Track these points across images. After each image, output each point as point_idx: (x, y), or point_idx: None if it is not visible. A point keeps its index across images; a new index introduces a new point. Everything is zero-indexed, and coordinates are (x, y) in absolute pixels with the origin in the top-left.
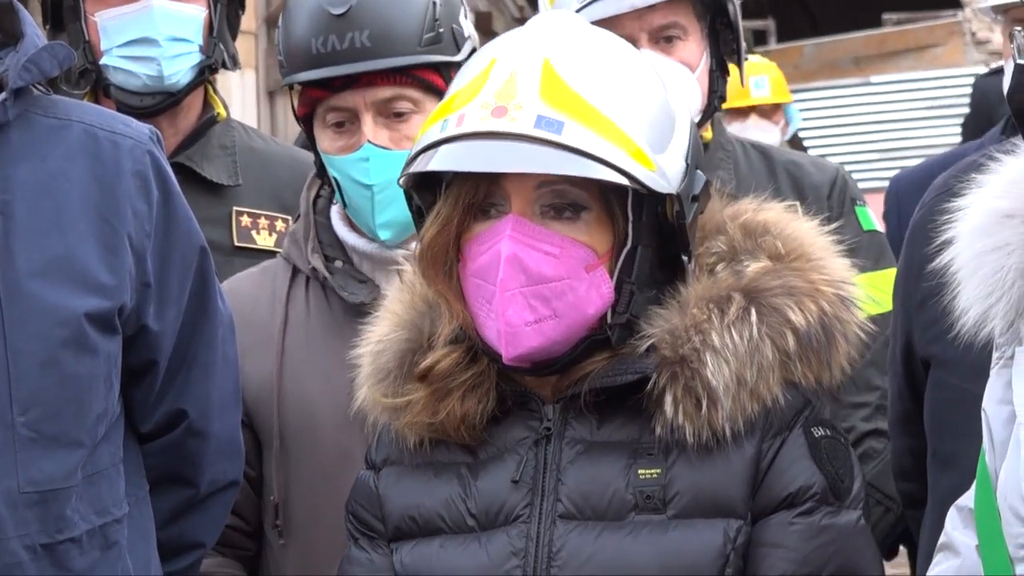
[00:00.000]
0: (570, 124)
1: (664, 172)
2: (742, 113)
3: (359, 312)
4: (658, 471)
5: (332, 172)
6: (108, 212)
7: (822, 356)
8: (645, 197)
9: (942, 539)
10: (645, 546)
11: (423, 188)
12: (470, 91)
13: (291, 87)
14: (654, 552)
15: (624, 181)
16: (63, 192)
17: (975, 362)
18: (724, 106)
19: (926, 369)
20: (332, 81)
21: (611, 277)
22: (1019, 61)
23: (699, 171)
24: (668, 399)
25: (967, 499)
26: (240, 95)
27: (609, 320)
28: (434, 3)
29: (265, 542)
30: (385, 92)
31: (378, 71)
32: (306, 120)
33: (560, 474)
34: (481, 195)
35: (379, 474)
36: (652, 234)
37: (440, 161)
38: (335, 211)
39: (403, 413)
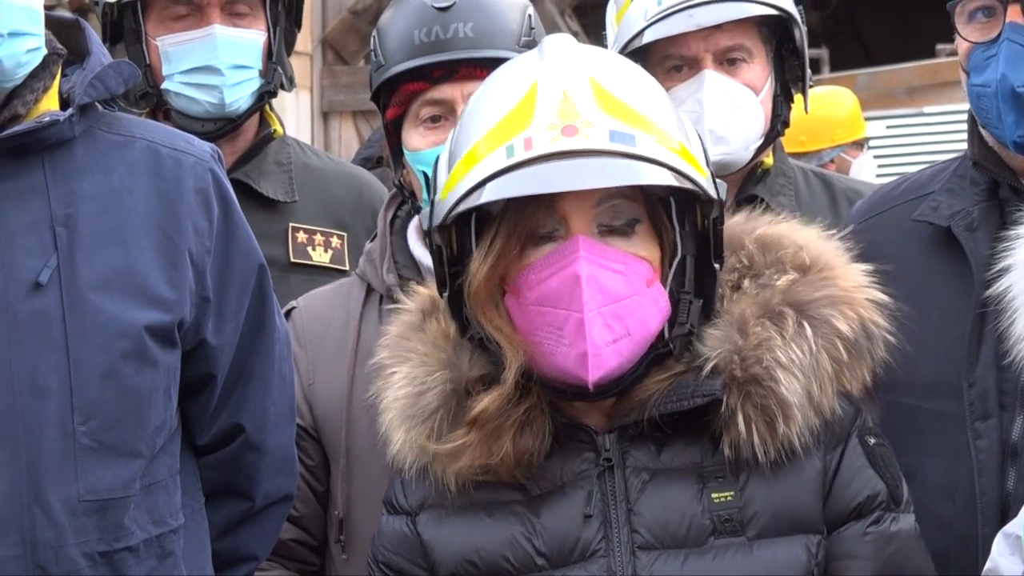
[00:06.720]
0: (640, 135)
1: (711, 178)
2: (859, 145)
3: None
4: (731, 493)
5: (419, 168)
6: (169, 227)
7: (865, 362)
8: (686, 207)
9: (988, 564)
10: (731, 569)
11: (441, 229)
12: (521, 116)
13: (378, 101)
14: (741, 574)
15: (696, 189)
16: (126, 207)
17: (922, 379)
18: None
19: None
20: (431, 72)
21: (664, 289)
22: None
23: (719, 180)
24: (740, 419)
25: (1014, 526)
26: (295, 115)
27: (668, 334)
28: (529, 14)
29: (328, 557)
30: None
31: (478, 63)
32: (395, 125)
33: (631, 504)
34: (539, 221)
35: (416, 519)
36: (694, 243)
37: (519, 185)
38: (412, 231)
39: (453, 459)
